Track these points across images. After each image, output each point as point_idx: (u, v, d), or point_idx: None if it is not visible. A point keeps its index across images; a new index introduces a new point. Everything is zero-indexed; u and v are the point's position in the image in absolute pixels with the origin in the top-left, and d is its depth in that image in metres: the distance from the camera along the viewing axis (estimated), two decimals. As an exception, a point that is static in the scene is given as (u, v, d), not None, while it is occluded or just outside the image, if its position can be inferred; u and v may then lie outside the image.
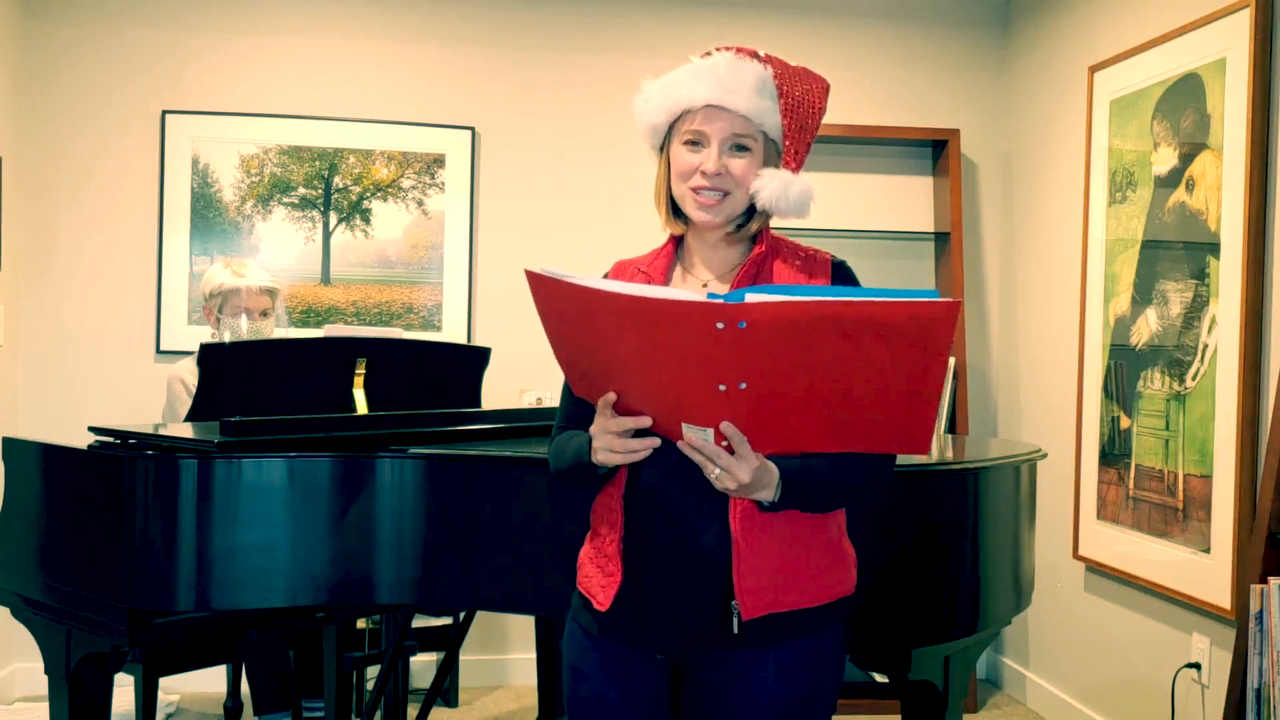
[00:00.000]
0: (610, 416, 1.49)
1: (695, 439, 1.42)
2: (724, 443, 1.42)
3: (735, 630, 1.57)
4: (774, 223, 1.67)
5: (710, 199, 1.60)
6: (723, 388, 1.34)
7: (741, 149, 1.60)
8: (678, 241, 1.72)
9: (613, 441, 1.50)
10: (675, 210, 1.67)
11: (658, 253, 1.72)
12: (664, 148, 1.67)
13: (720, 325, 1.28)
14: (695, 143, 1.61)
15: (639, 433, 1.51)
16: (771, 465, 1.48)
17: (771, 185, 1.58)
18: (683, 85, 1.61)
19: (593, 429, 1.54)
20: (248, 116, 4.02)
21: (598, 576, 1.65)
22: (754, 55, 1.61)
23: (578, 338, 1.46)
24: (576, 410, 1.68)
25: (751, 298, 1.28)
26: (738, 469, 1.43)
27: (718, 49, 1.63)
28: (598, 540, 1.67)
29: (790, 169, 1.60)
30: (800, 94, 1.60)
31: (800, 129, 1.60)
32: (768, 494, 1.49)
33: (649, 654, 1.64)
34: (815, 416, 1.39)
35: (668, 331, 1.33)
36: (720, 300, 1.28)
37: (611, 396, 1.48)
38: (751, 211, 1.63)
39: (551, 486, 2.12)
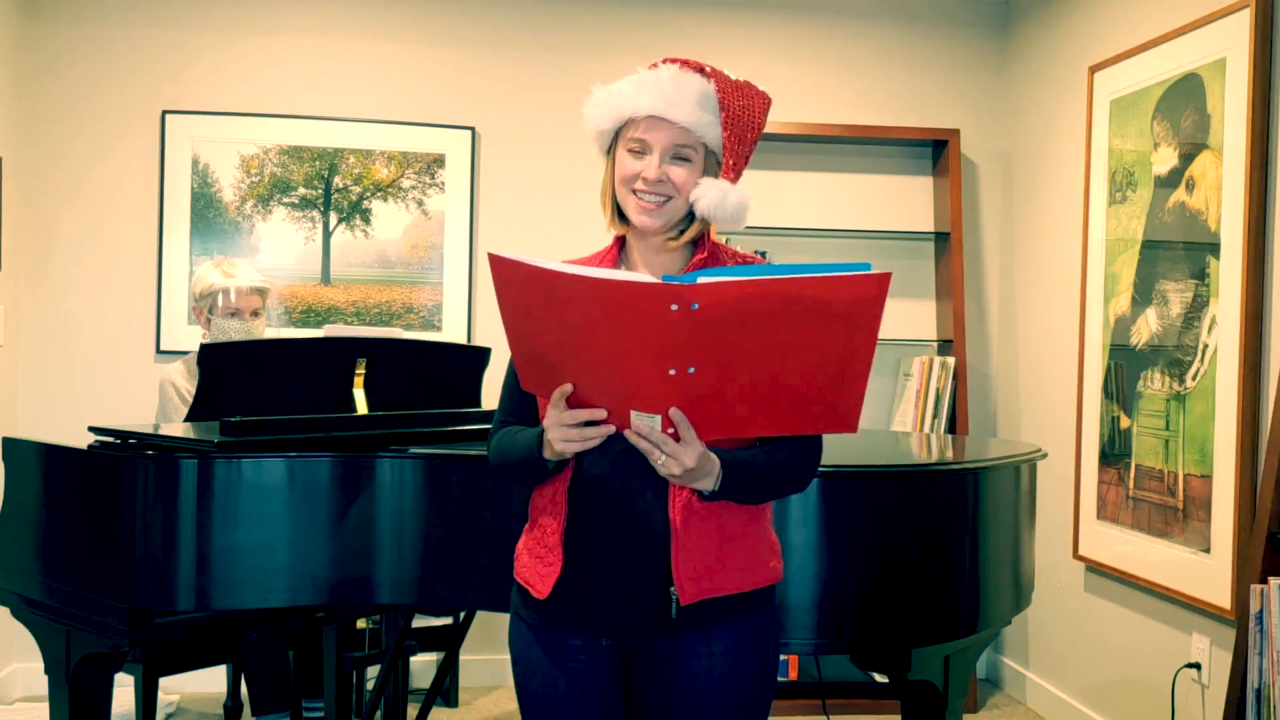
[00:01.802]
0: (563, 409, 1.53)
1: (643, 426, 1.48)
2: (670, 430, 1.48)
3: (674, 615, 1.63)
4: (737, 228, 1.70)
5: (651, 203, 1.65)
6: (672, 372, 1.40)
7: (682, 159, 1.65)
8: (621, 245, 1.77)
9: (568, 432, 1.53)
10: (619, 213, 1.72)
11: (602, 255, 1.78)
12: (610, 151, 1.72)
13: (674, 307, 1.34)
14: (639, 151, 1.66)
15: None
16: (713, 455, 1.54)
17: (710, 194, 1.64)
18: (628, 96, 1.67)
19: (546, 422, 1.57)
20: (248, 116, 4.02)
21: (536, 566, 1.70)
22: (699, 70, 1.67)
23: (535, 323, 1.49)
24: (519, 405, 1.75)
25: (703, 280, 1.34)
26: (683, 454, 1.48)
27: (664, 61, 1.69)
28: (537, 530, 1.71)
29: (729, 179, 1.65)
30: (741, 108, 1.66)
31: (739, 141, 1.66)
32: (709, 483, 1.55)
33: (594, 641, 1.69)
34: (757, 400, 1.46)
35: (623, 314, 1.37)
36: (675, 282, 1.33)
37: (567, 388, 1.51)
38: (691, 218, 1.69)
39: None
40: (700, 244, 1.72)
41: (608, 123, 1.69)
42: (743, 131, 1.66)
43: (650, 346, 1.39)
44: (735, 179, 1.65)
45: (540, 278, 1.41)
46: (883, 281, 1.36)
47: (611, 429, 1.52)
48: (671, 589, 1.62)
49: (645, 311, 1.36)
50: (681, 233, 1.69)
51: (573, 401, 1.53)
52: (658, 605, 1.63)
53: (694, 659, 1.66)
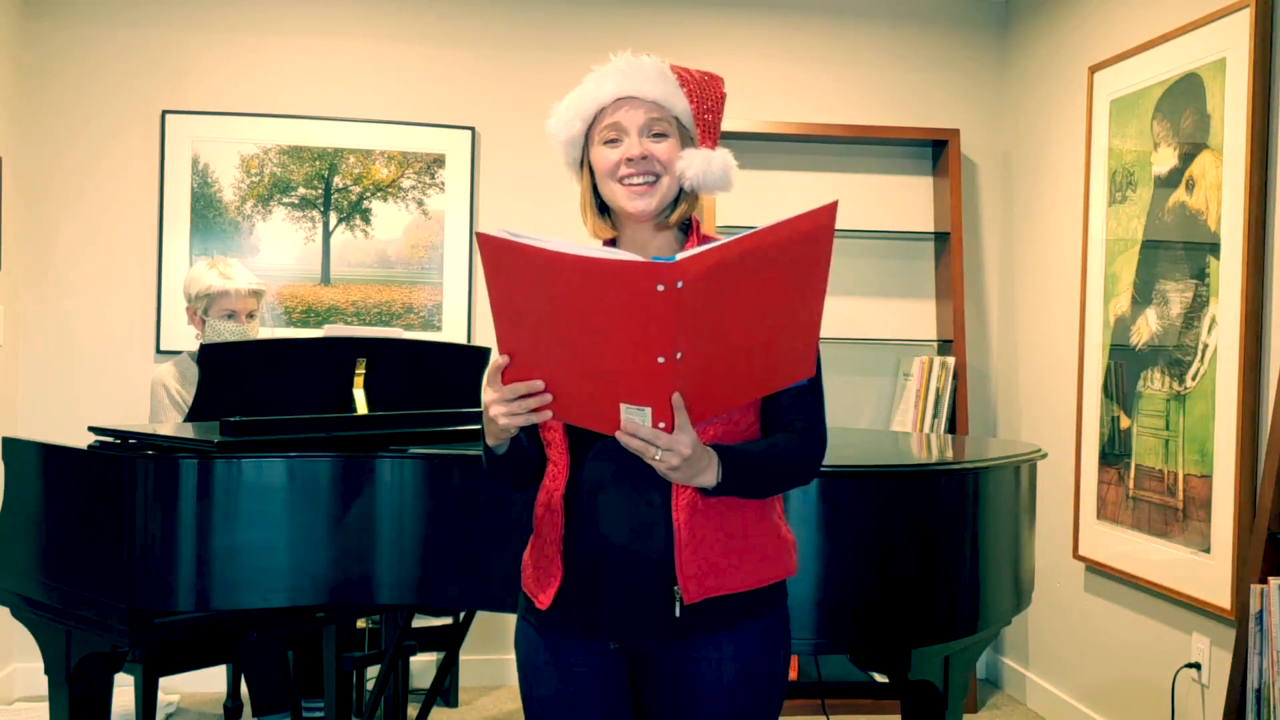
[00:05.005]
0: (498, 383, 1.49)
1: (633, 423, 1.44)
2: (659, 424, 1.44)
3: (677, 614, 1.60)
4: (727, 190, 1.70)
5: (641, 185, 1.63)
6: (661, 360, 1.37)
7: (659, 135, 1.65)
8: (610, 246, 1.74)
9: (512, 406, 1.49)
10: (603, 212, 1.71)
11: None
12: (583, 161, 1.71)
13: (660, 288, 1.32)
14: (614, 140, 1.65)
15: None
16: (710, 449, 1.52)
17: (695, 162, 1.64)
18: (590, 90, 1.67)
19: (485, 399, 1.53)
20: (248, 116, 4.02)
21: (538, 576, 1.69)
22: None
23: (524, 310, 1.45)
24: None
25: (682, 256, 1.32)
26: (678, 444, 1.44)
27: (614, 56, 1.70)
28: (539, 541, 1.70)
29: (708, 147, 1.66)
30: (698, 78, 1.67)
31: (706, 110, 1.66)
32: (710, 477, 1.52)
33: (602, 644, 1.67)
34: (739, 373, 1.47)
35: (610, 296, 1.35)
36: (660, 261, 1.32)
37: (502, 360, 1.47)
38: (679, 198, 1.68)
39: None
40: (690, 232, 1.70)
41: (577, 124, 1.68)
42: (706, 99, 1.66)
43: (638, 332, 1.36)
44: (714, 145, 1.66)
45: (530, 257, 1.37)
46: (832, 210, 1.43)
47: (549, 398, 1.48)
48: (675, 588, 1.59)
49: (632, 292, 1.33)
50: (671, 213, 1.67)
51: (553, 390, 1.48)
52: (663, 607, 1.61)
53: (701, 662, 1.63)
